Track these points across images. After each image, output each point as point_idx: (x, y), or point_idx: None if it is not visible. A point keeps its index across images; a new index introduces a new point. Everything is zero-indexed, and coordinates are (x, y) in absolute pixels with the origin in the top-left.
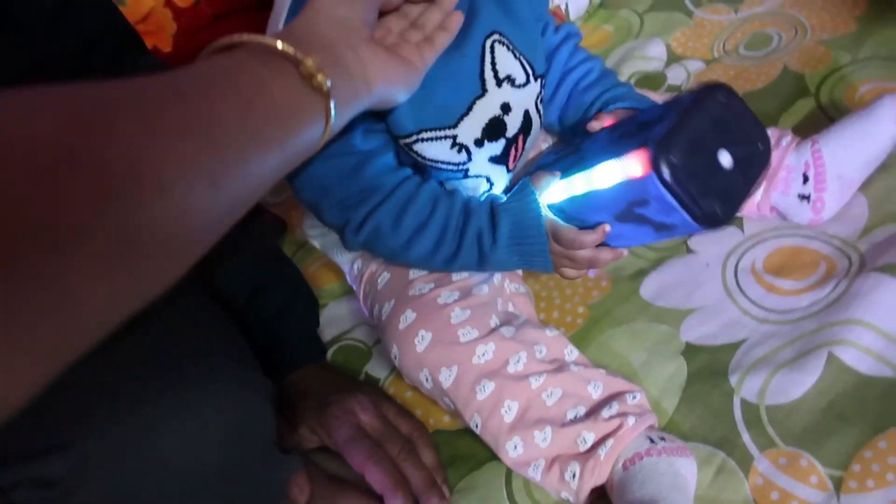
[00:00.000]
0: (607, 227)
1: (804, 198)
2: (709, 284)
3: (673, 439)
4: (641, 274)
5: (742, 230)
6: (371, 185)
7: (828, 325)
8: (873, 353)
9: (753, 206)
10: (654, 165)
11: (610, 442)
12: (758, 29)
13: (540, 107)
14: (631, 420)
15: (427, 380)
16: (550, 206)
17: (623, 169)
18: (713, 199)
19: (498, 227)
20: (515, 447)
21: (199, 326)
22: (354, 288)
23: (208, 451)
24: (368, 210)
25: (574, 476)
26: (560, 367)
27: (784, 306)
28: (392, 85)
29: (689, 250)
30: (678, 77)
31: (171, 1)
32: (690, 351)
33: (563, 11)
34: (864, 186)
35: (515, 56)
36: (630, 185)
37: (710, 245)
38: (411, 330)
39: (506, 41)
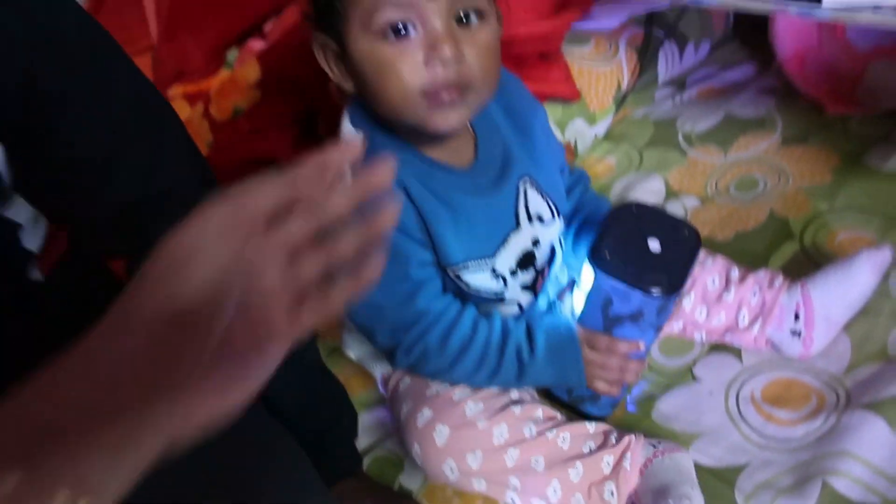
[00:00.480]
0: (641, 345)
1: (796, 334)
2: (713, 411)
3: (667, 442)
4: (652, 399)
5: (741, 360)
6: (421, 310)
7: (821, 455)
8: (862, 483)
9: (751, 339)
10: (593, 265)
11: (628, 456)
12: (745, 173)
13: (562, 241)
14: (633, 438)
15: (452, 470)
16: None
17: (584, 283)
18: (656, 274)
19: (534, 339)
20: (555, 491)
21: (275, 442)
22: (385, 396)
23: None
24: (419, 333)
25: (612, 493)
26: (560, 420)
27: (782, 435)
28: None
29: (693, 378)
30: (676, 211)
31: (209, 113)
32: (699, 471)
33: (573, 146)
34: (847, 328)
35: (542, 197)
36: (593, 292)
37: (713, 373)
38: (429, 427)
39: (535, 184)
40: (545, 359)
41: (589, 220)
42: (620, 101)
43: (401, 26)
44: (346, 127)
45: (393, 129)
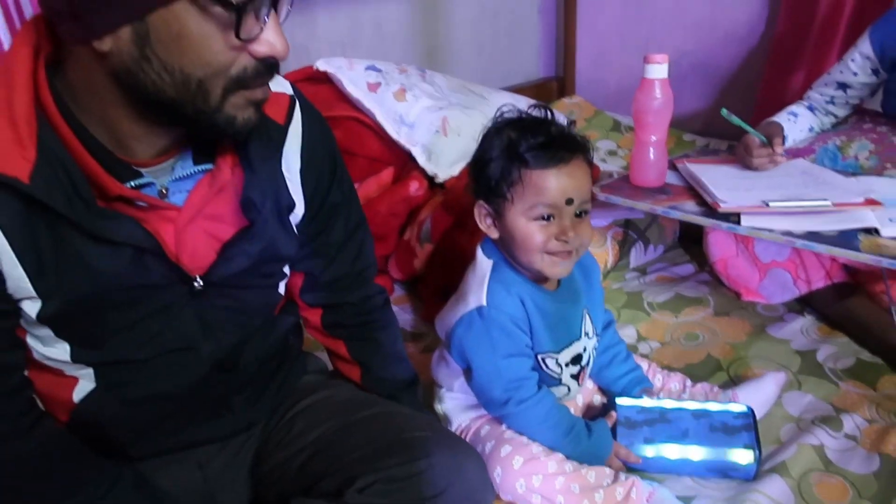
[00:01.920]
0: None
1: None
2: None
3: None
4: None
5: None
6: (524, 375)
7: (744, 491)
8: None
9: None
10: (756, 460)
11: (634, 490)
12: (690, 329)
13: (595, 352)
14: (636, 478)
15: (521, 486)
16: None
17: (729, 455)
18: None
19: (591, 429)
20: None
21: None
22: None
23: None
24: (525, 395)
25: None
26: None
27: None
28: None
29: None
30: (645, 349)
31: None
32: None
33: None
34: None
35: (592, 322)
36: (725, 462)
37: None
38: (508, 456)
39: (589, 312)
40: (593, 441)
41: (616, 359)
42: (605, 276)
43: (547, 216)
44: (480, 256)
45: (514, 264)
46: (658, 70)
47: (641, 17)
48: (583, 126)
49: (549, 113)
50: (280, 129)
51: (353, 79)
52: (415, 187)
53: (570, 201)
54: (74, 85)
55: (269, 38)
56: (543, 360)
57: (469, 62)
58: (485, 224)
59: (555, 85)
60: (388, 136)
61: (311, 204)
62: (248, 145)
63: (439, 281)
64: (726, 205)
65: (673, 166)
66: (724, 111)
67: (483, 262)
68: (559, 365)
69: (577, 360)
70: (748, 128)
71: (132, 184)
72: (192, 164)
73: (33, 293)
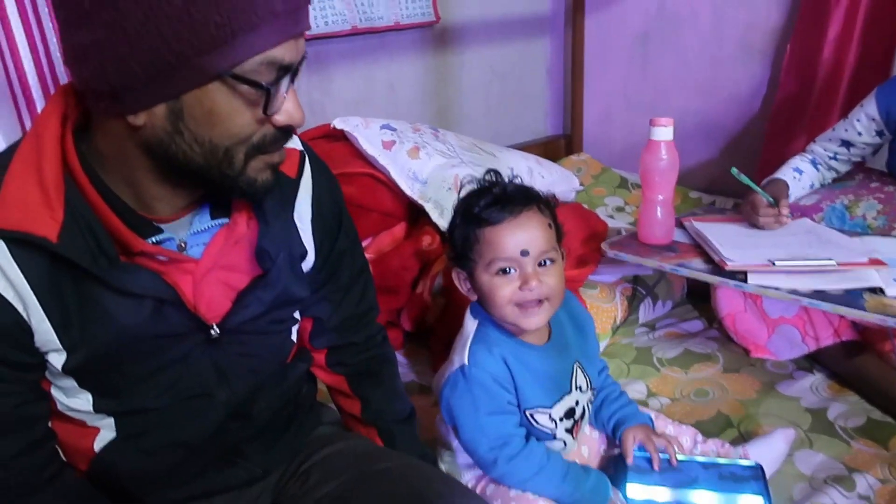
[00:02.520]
0: None
1: None
2: None
3: None
4: None
5: None
6: (509, 433)
7: None
8: None
9: None
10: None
11: None
12: (700, 386)
13: (590, 405)
14: None
15: None
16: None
17: (739, 501)
18: None
19: (588, 472)
20: None
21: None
22: None
23: None
24: (510, 451)
25: None
26: None
27: None
28: None
29: None
30: (655, 405)
31: None
32: None
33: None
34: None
35: (584, 375)
36: None
37: None
38: None
39: (581, 366)
40: (592, 480)
41: (609, 398)
42: (614, 331)
43: (507, 269)
44: (467, 316)
45: (498, 323)
46: (663, 132)
47: (647, 78)
48: (590, 183)
49: (496, 176)
50: (292, 183)
51: (368, 137)
52: (427, 242)
53: (524, 252)
54: (102, 151)
55: (289, 109)
56: (533, 415)
57: (478, 120)
58: (464, 288)
59: (562, 142)
60: (402, 191)
61: (321, 251)
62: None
63: (449, 334)
64: (733, 263)
65: (680, 224)
66: (734, 171)
67: (469, 324)
68: (552, 420)
69: (570, 413)
70: (756, 188)
71: (153, 239)
72: (210, 219)
73: (59, 346)
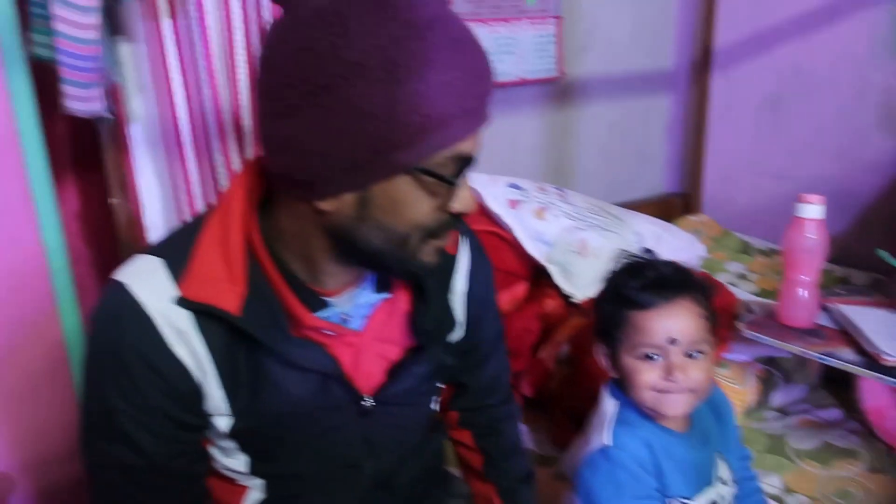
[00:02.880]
0: None
1: None
2: None
3: None
4: None
5: None
6: None
7: None
8: None
9: None
10: None
11: None
12: (843, 486)
13: (734, 501)
14: None
15: None
16: None
17: None
18: None
19: None
20: None
21: None
22: None
23: None
24: None
25: None
26: None
27: None
28: None
29: None
30: (793, 503)
31: None
32: None
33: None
34: None
35: (727, 466)
36: None
37: None
38: None
39: (723, 457)
40: None
41: (746, 489)
42: (748, 415)
43: (652, 355)
44: (606, 396)
45: (638, 406)
46: (813, 210)
47: (777, 140)
48: (710, 246)
49: (651, 256)
50: (451, 259)
51: (495, 195)
52: (551, 305)
53: (673, 341)
54: (283, 227)
55: (464, 197)
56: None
57: (595, 175)
58: (603, 363)
59: (680, 201)
60: (525, 252)
61: (470, 323)
62: (445, 278)
63: (573, 405)
64: (893, 359)
65: (822, 305)
66: (882, 253)
67: (608, 403)
68: None
69: None
70: None
71: (319, 315)
72: (372, 293)
73: (229, 411)
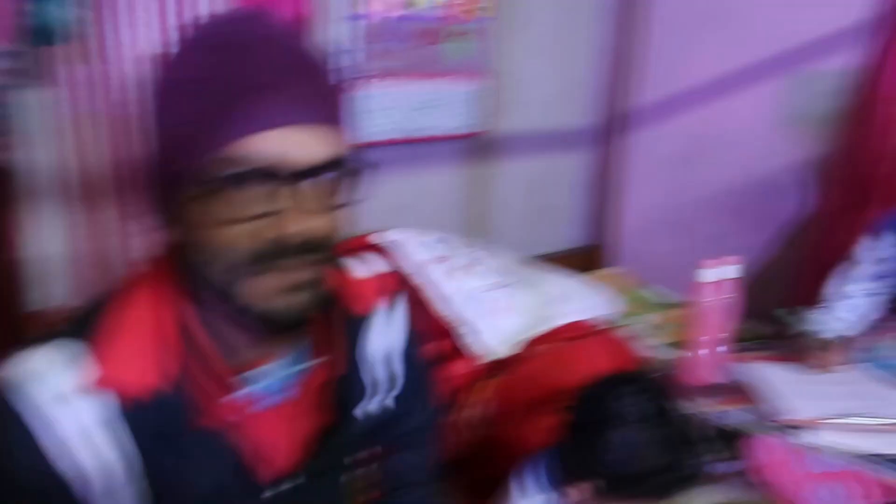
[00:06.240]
0: None
1: None
2: None
3: None
4: None
5: None
6: None
7: None
8: None
9: None
10: None
11: None
12: None
13: None
14: None
15: None
16: None
17: None
18: None
19: None
20: None
21: None
22: None
23: None
24: None
25: None
26: None
27: None
28: None
29: None
30: None
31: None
32: None
33: None
34: None
35: None
36: None
37: None
38: None
39: None
40: None
41: None
42: None
43: None
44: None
45: None
46: (711, 274)
47: (688, 197)
48: (626, 297)
49: None
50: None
51: (419, 249)
52: (461, 367)
53: None
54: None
55: (298, 220)
56: None
57: (510, 229)
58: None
59: (597, 255)
60: (437, 311)
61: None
62: (354, 343)
63: (482, 472)
64: (794, 417)
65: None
66: (780, 311)
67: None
68: None
69: None
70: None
71: (233, 396)
72: (293, 364)
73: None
